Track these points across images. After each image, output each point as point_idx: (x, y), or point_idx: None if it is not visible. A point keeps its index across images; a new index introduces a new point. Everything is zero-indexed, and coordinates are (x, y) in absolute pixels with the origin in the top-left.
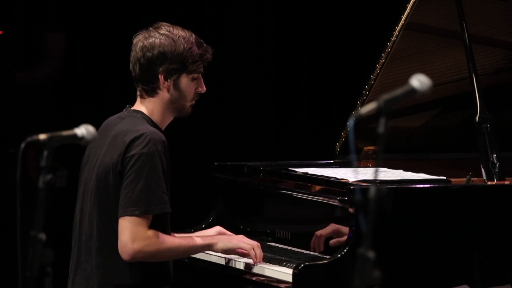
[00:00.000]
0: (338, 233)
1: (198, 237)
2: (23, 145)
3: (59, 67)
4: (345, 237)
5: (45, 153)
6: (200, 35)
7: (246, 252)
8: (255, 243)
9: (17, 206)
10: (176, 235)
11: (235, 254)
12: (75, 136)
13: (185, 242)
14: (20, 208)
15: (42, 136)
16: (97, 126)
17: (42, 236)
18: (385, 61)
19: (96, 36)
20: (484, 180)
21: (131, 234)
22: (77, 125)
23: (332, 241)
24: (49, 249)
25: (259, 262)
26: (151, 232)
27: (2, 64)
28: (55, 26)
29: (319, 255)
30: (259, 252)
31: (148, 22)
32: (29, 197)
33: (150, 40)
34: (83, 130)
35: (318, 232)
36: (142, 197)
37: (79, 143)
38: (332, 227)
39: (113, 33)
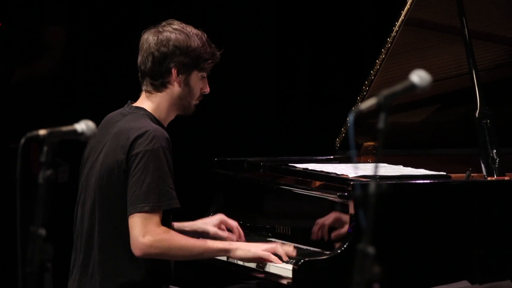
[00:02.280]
0: (339, 222)
1: (216, 241)
2: (23, 140)
3: (59, 60)
4: (346, 227)
5: (45, 148)
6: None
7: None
8: (273, 247)
9: (17, 201)
10: (176, 224)
11: (254, 262)
12: (75, 131)
13: (200, 243)
14: (21, 203)
15: (42, 132)
16: (98, 120)
17: (42, 231)
18: (385, 56)
19: (96, 30)
20: (484, 175)
21: (142, 229)
22: (78, 119)
23: (333, 234)
24: (49, 244)
25: (287, 259)
26: (162, 228)
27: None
28: (55, 18)
29: (319, 250)
30: (281, 251)
31: (148, 17)
32: (32, 193)
33: (165, 34)
34: (83, 126)
35: (320, 221)
36: (150, 193)
37: (79, 139)
38: (334, 215)
39: (113, 27)
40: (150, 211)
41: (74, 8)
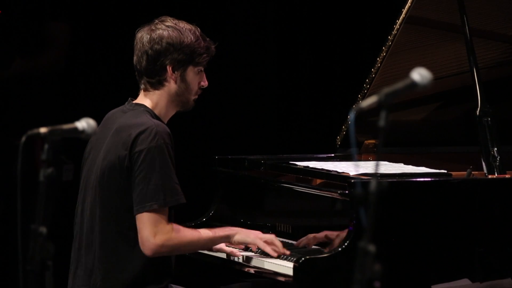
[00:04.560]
0: (328, 239)
1: (217, 229)
2: (23, 138)
3: (63, 56)
4: (338, 241)
5: (46, 146)
6: (201, 29)
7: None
8: (271, 237)
9: (18, 199)
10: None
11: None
12: (75, 129)
13: (205, 234)
14: (24, 201)
15: (43, 130)
16: (99, 118)
17: (43, 229)
18: (386, 54)
19: (97, 28)
20: (485, 173)
21: (152, 229)
22: (81, 117)
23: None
24: (50, 242)
25: (282, 252)
26: (170, 226)
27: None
28: (59, 15)
29: (320, 248)
30: (278, 243)
31: (150, 15)
32: (35, 190)
33: (158, 32)
34: (84, 124)
35: (311, 235)
36: (158, 191)
37: (80, 137)
38: (325, 233)
39: (115, 25)
40: (158, 209)
41: (76, 5)
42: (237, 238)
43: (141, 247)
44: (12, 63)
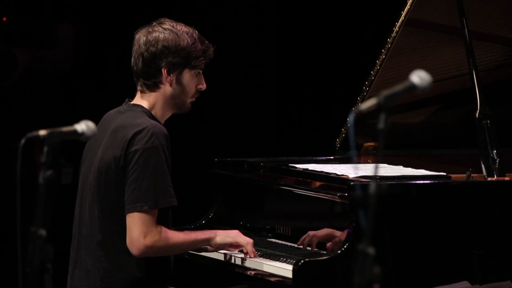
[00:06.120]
0: (332, 238)
1: (198, 232)
2: (23, 141)
3: (68, 57)
4: (340, 239)
5: (45, 149)
6: (201, 31)
7: (242, 246)
8: (250, 241)
9: (17, 201)
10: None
11: (230, 248)
12: (75, 132)
13: (188, 237)
14: (23, 203)
15: (42, 132)
16: (98, 120)
17: (42, 232)
18: (385, 57)
19: (96, 29)
20: (484, 176)
21: (142, 230)
22: (82, 119)
23: (327, 245)
24: (49, 245)
25: (254, 257)
26: (159, 228)
27: (3, 48)
28: (63, 16)
29: (318, 250)
30: (251, 249)
31: (151, 18)
32: (35, 192)
33: (154, 34)
34: (83, 126)
35: (312, 232)
36: (150, 192)
37: (79, 139)
38: (326, 231)
39: (114, 26)
40: (149, 210)
41: (78, 6)
42: (218, 240)
43: (129, 246)
44: (17, 64)
